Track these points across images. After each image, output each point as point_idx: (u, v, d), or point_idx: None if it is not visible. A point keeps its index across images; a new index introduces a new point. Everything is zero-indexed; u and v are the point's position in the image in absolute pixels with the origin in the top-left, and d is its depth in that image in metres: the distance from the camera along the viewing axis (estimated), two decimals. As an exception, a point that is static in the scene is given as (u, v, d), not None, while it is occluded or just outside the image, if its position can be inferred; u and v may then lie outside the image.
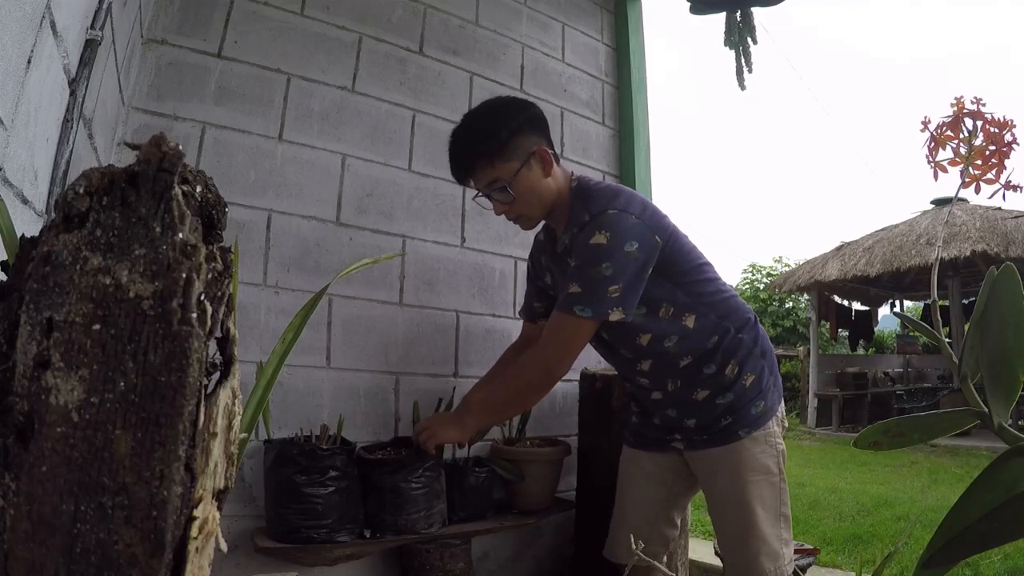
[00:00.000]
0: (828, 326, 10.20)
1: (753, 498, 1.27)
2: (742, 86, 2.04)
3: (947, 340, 0.48)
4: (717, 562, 1.88)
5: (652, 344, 1.32)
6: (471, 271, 1.94)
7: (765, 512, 1.28)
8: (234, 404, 0.40)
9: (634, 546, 0.70)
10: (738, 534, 1.29)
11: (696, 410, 1.34)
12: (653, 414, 1.43)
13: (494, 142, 1.30)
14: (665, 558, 1.50)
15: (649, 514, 1.43)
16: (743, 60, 2.01)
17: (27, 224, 0.75)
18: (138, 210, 0.34)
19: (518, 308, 1.82)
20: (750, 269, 16.44)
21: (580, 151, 2.29)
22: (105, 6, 0.96)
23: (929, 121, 0.48)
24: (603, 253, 1.22)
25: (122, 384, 0.33)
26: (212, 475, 0.38)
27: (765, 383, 1.33)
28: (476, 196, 1.40)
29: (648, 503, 1.43)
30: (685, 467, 1.42)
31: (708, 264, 1.38)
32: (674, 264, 1.30)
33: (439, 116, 1.95)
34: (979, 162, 0.47)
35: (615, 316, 1.23)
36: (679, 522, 1.49)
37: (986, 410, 0.37)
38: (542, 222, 1.45)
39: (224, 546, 0.40)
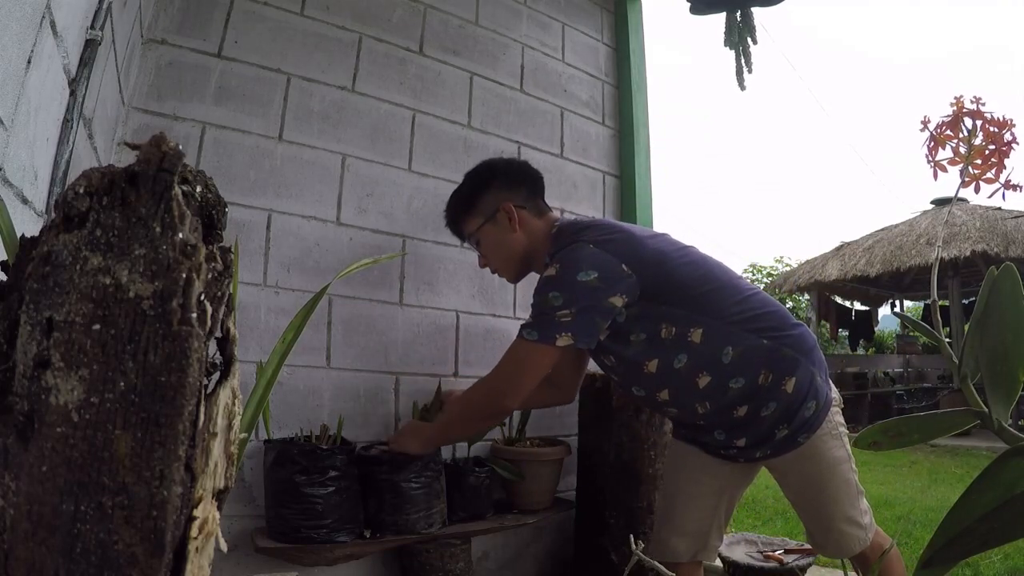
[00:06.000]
0: (828, 326, 10.19)
1: (833, 493, 1.26)
2: (742, 86, 2.04)
3: (947, 340, 0.48)
4: (717, 562, 1.88)
5: (661, 369, 1.26)
6: (471, 271, 1.94)
7: (848, 498, 1.26)
8: (234, 404, 0.40)
9: (633, 546, 0.70)
10: (824, 524, 1.28)
11: (742, 428, 1.26)
12: (701, 434, 1.35)
13: (462, 199, 1.48)
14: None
15: (706, 515, 1.36)
16: (743, 60, 2.01)
17: (27, 224, 0.75)
18: (138, 210, 0.34)
19: (518, 309, 1.82)
20: (750, 269, 16.42)
21: (580, 151, 2.29)
22: (105, 6, 0.96)
23: (929, 121, 0.48)
24: (553, 283, 1.25)
25: (122, 384, 0.33)
26: (212, 475, 0.38)
27: (809, 382, 1.24)
28: (462, 245, 1.54)
29: (706, 503, 1.36)
30: (746, 468, 1.37)
31: (722, 281, 1.30)
32: (670, 289, 1.26)
33: (439, 116, 1.95)
34: (979, 161, 0.47)
35: (563, 341, 1.22)
36: (726, 526, 1.41)
37: (986, 410, 0.37)
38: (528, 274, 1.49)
39: (224, 546, 0.40)
